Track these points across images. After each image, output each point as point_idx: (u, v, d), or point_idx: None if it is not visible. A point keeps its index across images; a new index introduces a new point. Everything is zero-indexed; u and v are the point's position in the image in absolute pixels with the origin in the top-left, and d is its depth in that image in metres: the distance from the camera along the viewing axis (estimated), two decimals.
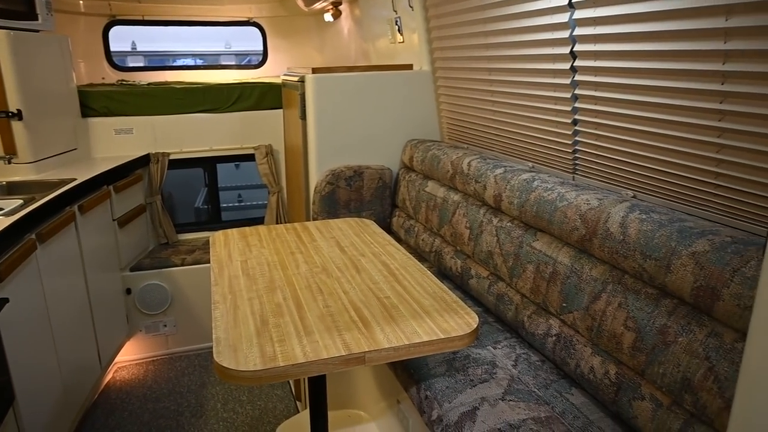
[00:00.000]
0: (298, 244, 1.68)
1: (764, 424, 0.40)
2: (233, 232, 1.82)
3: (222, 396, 2.49)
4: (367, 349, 1.06)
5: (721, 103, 1.14)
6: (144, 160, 2.88)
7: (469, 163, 1.93)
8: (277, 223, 3.15)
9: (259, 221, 3.25)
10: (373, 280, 1.39)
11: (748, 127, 1.10)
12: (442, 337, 1.10)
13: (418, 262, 1.53)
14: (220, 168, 3.27)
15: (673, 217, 1.19)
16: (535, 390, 1.37)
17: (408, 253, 1.60)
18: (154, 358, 2.82)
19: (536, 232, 1.56)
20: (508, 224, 1.68)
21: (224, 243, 1.71)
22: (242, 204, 6.08)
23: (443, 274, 2.07)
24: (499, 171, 1.76)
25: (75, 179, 2.25)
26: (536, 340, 1.50)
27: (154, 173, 2.89)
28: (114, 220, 2.56)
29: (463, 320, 1.18)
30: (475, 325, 1.16)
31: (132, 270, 2.68)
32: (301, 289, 1.34)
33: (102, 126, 2.85)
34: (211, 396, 2.50)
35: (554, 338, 1.43)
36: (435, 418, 1.31)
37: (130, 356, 2.79)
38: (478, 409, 1.28)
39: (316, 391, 1.42)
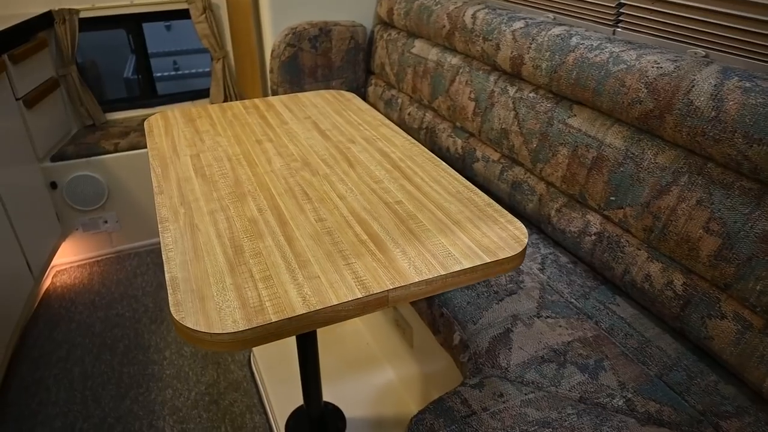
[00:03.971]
0: (265, 129, 1.29)
1: None
2: (175, 114, 1.40)
3: None
4: (390, 286, 0.76)
5: None
6: (47, 21, 2.25)
7: (473, 15, 1.51)
8: (225, 96, 2.67)
9: (203, 94, 2.75)
10: (374, 177, 1.06)
11: None
12: (488, 260, 0.81)
13: (425, 149, 1.19)
14: (149, 30, 2.66)
15: None
16: (573, 301, 1.14)
17: (409, 136, 1.26)
18: (99, 258, 2.48)
19: (572, 106, 1.23)
20: (531, 95, 1.34)
21: (165, 129, 1.30)
22: (180, 73, 5.34)
23: (438, 156, 1.74)
24: (518, 25, 1.37)
25: None
26: (567, 238, 1.25)
27: (62, 36, 2.28)
28: (18, 99, 2.02)
29: (507, 232, 0.88)
30: (526, 239, 0.86)
31: (54, 160, 2.21)
32: (279, 195, 0.99)
33: None
34: None
35: (594, 237, 1.17)
36: (457, 343, 1.07)
37: (69, 258, 2.43)
38: (512, 331, 1.05)
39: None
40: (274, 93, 2.01)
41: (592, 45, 1.17)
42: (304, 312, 0.71)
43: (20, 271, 1.94)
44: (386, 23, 2.03)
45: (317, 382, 1.45)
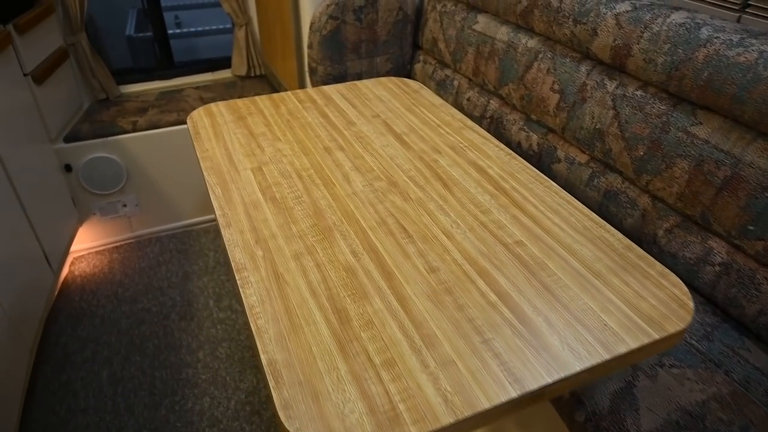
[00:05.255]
0: (330, 131, 1.11)
1: None
2: (220, 109, 1.21)
3: (213, 290, 2.08)
4: (548, 379, 0.60)
5: None
6: None
7: None
8: (248, 66, 2.45)
9: (224, 63, 2.51)
10: (479, 205, 0.89)
11: None
12: (657, 337, 0.65)
13: (525, 162, 1.02)
14: None
15: None
16: (694, 342, 0.99)
17: (500, 144, 1.08)
18: (118, 244, 2.32)
19: (696, 111, 1.05)
20: (638, 93, 1.15)
21: (213, 130, 1.11)
22: (183, 31, 5.00)
23: None
24: (623, 7, 1.16)
25: None
26: (678, 263, 1.09)
27: (70, 0, 2.04)
28: (26, 74, 1.81)
29: (664, 291, 0.72)
30: (691, 303, 0.71)
31: (67, 140, 2.02)
32: (372, 230, 0.82)
33: None
34: (200, 290, 2.08)
35: (718, 268, 1.02)
36: (568, 396, 0.93)
37: (87, 244, 2.27)
38: (634, 385, 0.91)
39: None
40: (313, 71, 1.80)
41: (731, 40, 0.97)
42: (451, 422, 0.56)
43: (38, 264, 1.79)
44: None
45: None
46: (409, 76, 1.99)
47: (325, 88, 1.31)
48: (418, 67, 1.91)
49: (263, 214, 0.85)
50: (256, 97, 1.25)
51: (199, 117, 1.16)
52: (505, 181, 0.95)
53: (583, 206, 0.88)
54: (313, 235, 0.81)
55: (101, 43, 4.12)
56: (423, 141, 1.07)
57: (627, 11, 1.15)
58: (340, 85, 1.32)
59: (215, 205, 0.88)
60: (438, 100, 1.25)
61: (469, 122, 1.14)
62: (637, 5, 1.15)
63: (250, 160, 1.00)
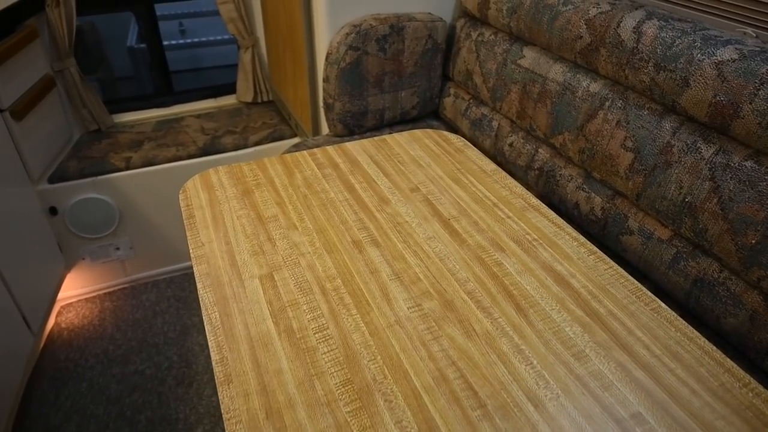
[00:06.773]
0: (359, 214, 0.88)
1: None
2: (220, 177, 0.98)
3: None
4: None
5: None
6: (35, 4, 1.79)
7: (636, 28, 1.06)
8: (255, 92, 2.22)
9: (228, 89, 2.29)
10: (569, 343, 0.65)
11: None
12: None
13: (613, 263, 0.79)
14: None
15: None
16: None
17: (578, 234, 0.84)
18: (110, 289, 2.09)
19: None
20: (748, 164, 0.91)
21: (210, 211, 0.88)
22: (187, 42, 4.77)
23: (559, 212, 1.30)
24: (727, 54, 0.92)
25: None
26: None
27: (56, 23, 1.82)
28: (3, 110, 1.59)
29: None
30: None
31: (52, 181, 1.80)
32: (427, 391, 0.59)
33: None
34: (200, 348, 1.85)
35: None
36: None
37: (76, 290, 2.04)
38: None
39: None
40: (329, 107, 1.57)
41: None
42: None
43: (15, 330, 1.57)
44: (475, 18, 1.56)
45: None
46: (437, 111, 1.75)
47: (349, 146, 1.07)
48: (448, 101, 1.68)
49: (276, 361, 0.62)
50: (265, 160, 1.02)
51: (194, 190, 0.93)
52: (597, 301, 0.71)
53: (711, 345, 0.64)
54: (345, 401, 0.58)
55: (102, 54, 3.89)
56: (478, 230, 0.84)
57: (733, 60, 0.91)
58: (366, 142, 1.09)
59: (211, 341, 0.65)
60: (489, 165, 1.01)
61: (534, 200, 0.91)
62: (746, 53, 0.91)
63: (258, 261, 0.77)
